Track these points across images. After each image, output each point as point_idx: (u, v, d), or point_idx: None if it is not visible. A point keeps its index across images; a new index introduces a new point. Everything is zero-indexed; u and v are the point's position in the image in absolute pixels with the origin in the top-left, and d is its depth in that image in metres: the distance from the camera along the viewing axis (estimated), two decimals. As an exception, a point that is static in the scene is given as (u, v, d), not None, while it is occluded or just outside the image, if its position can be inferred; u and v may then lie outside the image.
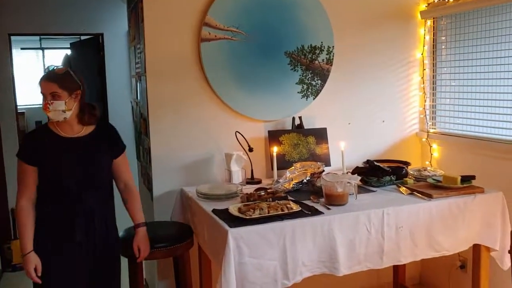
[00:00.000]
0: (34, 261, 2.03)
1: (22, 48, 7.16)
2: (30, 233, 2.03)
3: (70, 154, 2.08)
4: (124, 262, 2.46)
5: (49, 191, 2.07)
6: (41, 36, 6.78)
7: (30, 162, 2.04)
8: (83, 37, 5.37)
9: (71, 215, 2.07)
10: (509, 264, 2.47)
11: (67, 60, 6.43)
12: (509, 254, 2.09)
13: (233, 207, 2.18)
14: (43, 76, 2.09)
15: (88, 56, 5.07)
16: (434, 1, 3.23)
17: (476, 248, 2.48)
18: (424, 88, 3.35)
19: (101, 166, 2.16)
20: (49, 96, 2.03)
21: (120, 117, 4.60)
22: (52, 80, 2.04)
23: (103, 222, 2.15)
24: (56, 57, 7.02)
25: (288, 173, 2.65)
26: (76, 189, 2.07)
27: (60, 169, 2.05)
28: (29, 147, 2.06)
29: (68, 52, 6.28)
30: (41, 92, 2.06)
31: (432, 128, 3.33)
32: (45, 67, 2.14)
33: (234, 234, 1.96)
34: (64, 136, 2.09)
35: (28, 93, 7.06)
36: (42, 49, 7.12)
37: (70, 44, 5.59)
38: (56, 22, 4.52)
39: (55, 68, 2.09)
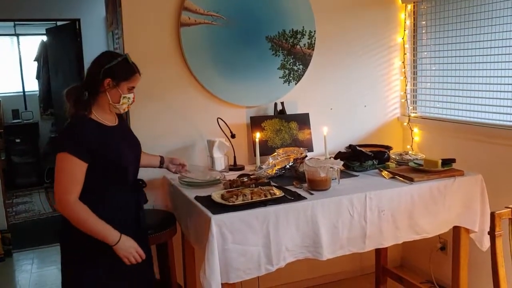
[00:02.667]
0: (131, 240, 1.91)
1: (-5, 35, 6.97)
2: (101, 223, 1.84)
3: (123, 142, 2.02)
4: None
5: (111, 183, 1.94)
6: (16, 22, 6.59)
7: (84, 157, 1.84)
8: (59, 23, 5.25)
9: (136, 204, 2.05)
10: (488, 245, 2.51)
11: (44, 46, 6.29)
12: (488, 236, 2.12)
13: (216, 194, 2.16)
14: (137, 69, 2.02)
15: (65, 42, 4.96)
16: (414, -15, 3.23)
17: (456, 230, 2.53)
18: (405, 73, 3.37)
19: (141, 150, 2.17)
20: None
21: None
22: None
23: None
24: (32, 43, 6.84)
25: (270, 159, 2.65)
26: (134, 176, 2.08)
27: (122, 157, 1.97)
28: (82, 142, 1.85)
29: (44, 38, 6.13)
30: (133, 86, 2.01)
31: (413, 112, 3.36)
32: (124, 55, 1.99)
33: (217, 221, 1.95)
34: (110, 126, 1.99)
35: (3, 81, 6.91)
36: (17, 35, 6.92)
37: (46, 30, 5.46)
38: (31, 7, 4.39)
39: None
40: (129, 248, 1.90)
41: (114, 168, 1.94)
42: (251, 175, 2.48)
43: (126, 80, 1.96)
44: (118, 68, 1.94)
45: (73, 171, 1.83)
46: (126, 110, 2.05)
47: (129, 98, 2.00)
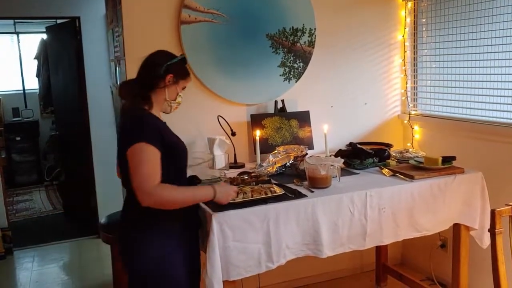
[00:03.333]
0: (224, 184, 2.01)
1: (-5, 33, 6.96)
2: (190, 187, 1.93)
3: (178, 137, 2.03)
4: (107, 249, 2.44)
5: (170, 178, 1.85)
6: (16, 20, 6.59)
7: (159, 147, 1.81)
8: (59, 21, 5.23)
9: None
10: (488, 243, 2.51)
11: (44, 44, 6.28)
12: (488, 233, 2.13)
13: (217, 192, 2.16)
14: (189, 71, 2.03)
15: (65, 40, 4.95)
16: (415, -17, 3.23)
17: (456, 227, 2.53)
18: (405, 70, 3.36)
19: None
20: None
21: (100, 102, 4.49)
22: None
23: None
24: (32, 41, 6.84)
25: (271, 157, 2.65)
26: (186, 171, 2.07)
27: (184, 150, 2.00)
28: (154, 134, 1.83)
29: (44, 36, 6.12)
30: (185, 86, 2.02)
31: (414, 110, 3.36)
32: (182, 55, 2.01)
33: (218, 218, 1.95)
34: (163, 121, 2.01)
35: (3, 79, 6.91)
36: (17, 33, 6.92)
37: (46, 28, 5.44)
38: (31, 5, 4.38)
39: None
40: (227, 191, 1.99)
41: (178, 160, 1.95)
42: (252, 173, 2.48)
43: (184, 78, 1.99)
44: (179, 66, 1.97)
45: (152, 159, 1.78)
46: (174, 110, 2.04)
47: (181, 97, 2.02)
